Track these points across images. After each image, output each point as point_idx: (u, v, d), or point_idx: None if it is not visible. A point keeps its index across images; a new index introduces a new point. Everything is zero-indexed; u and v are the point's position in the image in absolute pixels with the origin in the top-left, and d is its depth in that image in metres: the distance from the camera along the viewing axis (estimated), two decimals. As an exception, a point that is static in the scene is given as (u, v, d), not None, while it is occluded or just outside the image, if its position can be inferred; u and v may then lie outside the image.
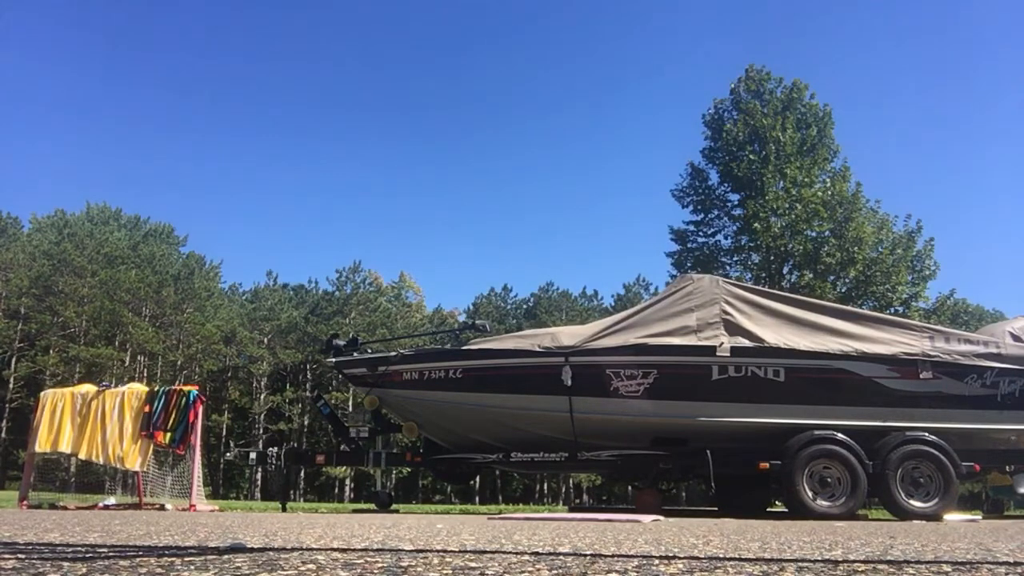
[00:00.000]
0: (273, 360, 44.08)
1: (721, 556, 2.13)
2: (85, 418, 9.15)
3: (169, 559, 1.88)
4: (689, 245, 26.23)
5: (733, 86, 26.32)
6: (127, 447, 9.02)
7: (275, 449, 9.78)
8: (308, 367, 45.06)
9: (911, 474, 7.30)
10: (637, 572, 1.65)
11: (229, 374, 45.14)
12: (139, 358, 39.76)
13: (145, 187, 73.07)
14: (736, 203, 25.47)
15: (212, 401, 39.29)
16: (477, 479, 34.85)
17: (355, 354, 8.91)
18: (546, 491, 41.08)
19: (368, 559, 1.91)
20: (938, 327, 9.13)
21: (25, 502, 9.23)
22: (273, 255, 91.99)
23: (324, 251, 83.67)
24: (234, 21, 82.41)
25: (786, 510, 7.89)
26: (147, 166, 76.87)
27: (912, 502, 7.20)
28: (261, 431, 43.09)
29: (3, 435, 35.92)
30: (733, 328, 7.76)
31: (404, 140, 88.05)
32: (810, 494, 7.18)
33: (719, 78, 75.40)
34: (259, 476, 40.16)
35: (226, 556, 1.96)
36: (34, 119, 72.85)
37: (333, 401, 34.43)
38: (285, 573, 1.57)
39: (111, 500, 10.07)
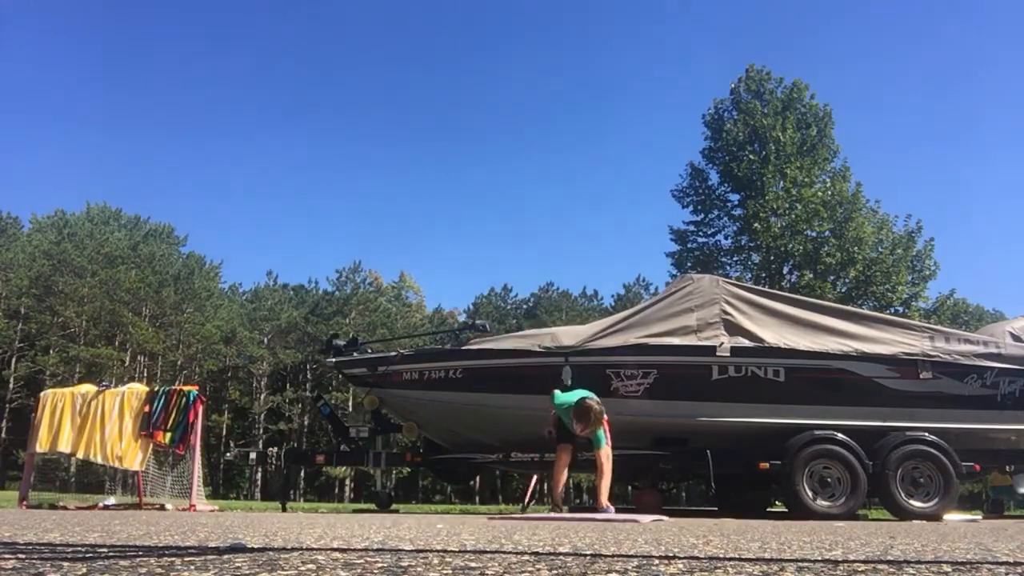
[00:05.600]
0: (273, 360, 44.07)
1: (721, 556, 2.13)
2: (85, 418, 9.15)
3: (169, 559, 1.88)
4: (689, 245, 26.25)
5: (733, 86, 26.34)
6: (126, 446, 9.02)
7: (275, 449, 9.78)
8: (308, 367, 45.07)
9: (911, 474, 7.29)
10: (637, 572, 1.65)
11: (229, 374, 45.14)
12: (139, 358, 39.77)
13: (145, 187, 73.10)
14: (736, 203, 25.49)
15: (212, 401, 39.29)
16: (477, 479, 34.85)
17: (355, 354, 8.90)
18: (546, 491, 41.06)
19: (368, 559, 1.91)
20: (938, 327, 9.12)
21: (25, 502, 9.23)
22: (273, 255, 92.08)
23: (324, 251, 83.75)
24: (234, 22, 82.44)
25: (786, 510, 7.89)
26: (147, 166, 76.90)
27: (912, 502, 7.20)
28: (261, 431, 43.09)
29: (3, 435, 35.92)
30: (733, 328, 7.75)
31: (405, 141, 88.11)
32: (810, 494, 7.18)
33: (719, 78, 75.46)
34: (259, 476, 40.16)
35: (226, 556, 1.96)
36: (34, 119, 72.89)
37: (333, 401, 34.45)
38: (285, 573, 1.57)
39: (111, 500, 10.06)
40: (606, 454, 6.39)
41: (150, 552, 2.14)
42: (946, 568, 1.86)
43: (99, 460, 9.18)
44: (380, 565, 1.75)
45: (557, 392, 6.73)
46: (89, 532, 3.25)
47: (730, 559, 2.03)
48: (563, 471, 6.60)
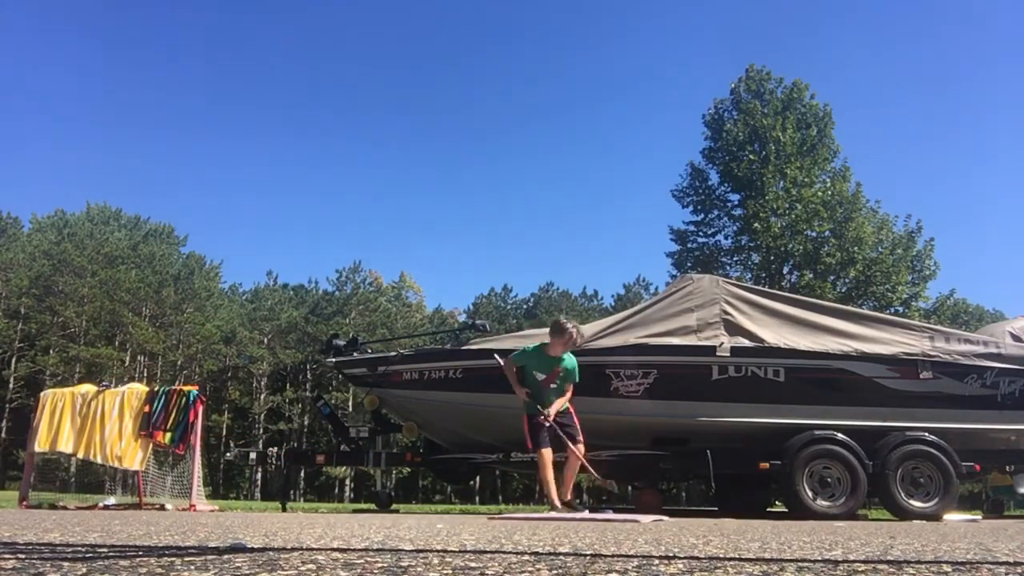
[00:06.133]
0: (273, 360, 44.07)
1: (721, 556, 2.13)
2: (85, 418, 9.14)
3: (169, 559, 1.88)
4: (689, 245, 26.27)
5: (733, 86, 26.35)
6: (126, 446, 9.01)
7: (275, 449, 9.78)
8: (308, 367, 45.05)
9: (911, 474, 7.28)
10: (637, 572, 1.65)
11: (229, 374, 45.14)
12: (139, 358, 39.79)
13: (145, 187, 73.13)
14: (736, 203, 25.51)
15: (212, 401, 39.28)
16: (477, 479, 34.84)
17: (355, 354, 8.90)
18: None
19: (368, 559, 1.91)
20: (938, 327, 9.11)
21: (25, 502, 9.23)
22: (273, 255, 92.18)
23: (324, 251, 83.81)
24: (234, 21, 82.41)
25: (786, 510, 7.89)
26: (147, 166, 76.95)
27: (912, 502, 7.19)
28: (261, 431, 43.09)
29: (3, 435, 35.92)
30: (733, 328, 7.75)
31: (405, 141, 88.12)
32: (810, 494, 7.17)
33: (719, 78, 75.42)
34: (259, 476, 40.16)
35: (226, 556, 1.96)
36: (34, 119, 72.90)
37: (333, 401, 34.44)
38: (285, 573, 1.58)
39: (111, 500, 10.05)
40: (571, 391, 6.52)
41: (150, 552, 2.14)
42: (946, 568, 1.87)
43: (99, 460, 9.17)
44: (380, 565, 1.75)
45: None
46: (89, 532, 3.25)
47: (730, 559, 2.03)
48: (551, 471, 6.51)
